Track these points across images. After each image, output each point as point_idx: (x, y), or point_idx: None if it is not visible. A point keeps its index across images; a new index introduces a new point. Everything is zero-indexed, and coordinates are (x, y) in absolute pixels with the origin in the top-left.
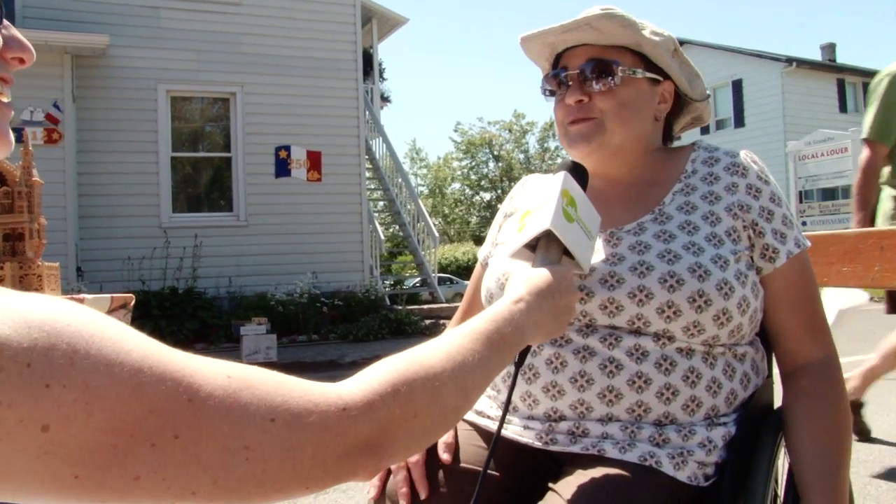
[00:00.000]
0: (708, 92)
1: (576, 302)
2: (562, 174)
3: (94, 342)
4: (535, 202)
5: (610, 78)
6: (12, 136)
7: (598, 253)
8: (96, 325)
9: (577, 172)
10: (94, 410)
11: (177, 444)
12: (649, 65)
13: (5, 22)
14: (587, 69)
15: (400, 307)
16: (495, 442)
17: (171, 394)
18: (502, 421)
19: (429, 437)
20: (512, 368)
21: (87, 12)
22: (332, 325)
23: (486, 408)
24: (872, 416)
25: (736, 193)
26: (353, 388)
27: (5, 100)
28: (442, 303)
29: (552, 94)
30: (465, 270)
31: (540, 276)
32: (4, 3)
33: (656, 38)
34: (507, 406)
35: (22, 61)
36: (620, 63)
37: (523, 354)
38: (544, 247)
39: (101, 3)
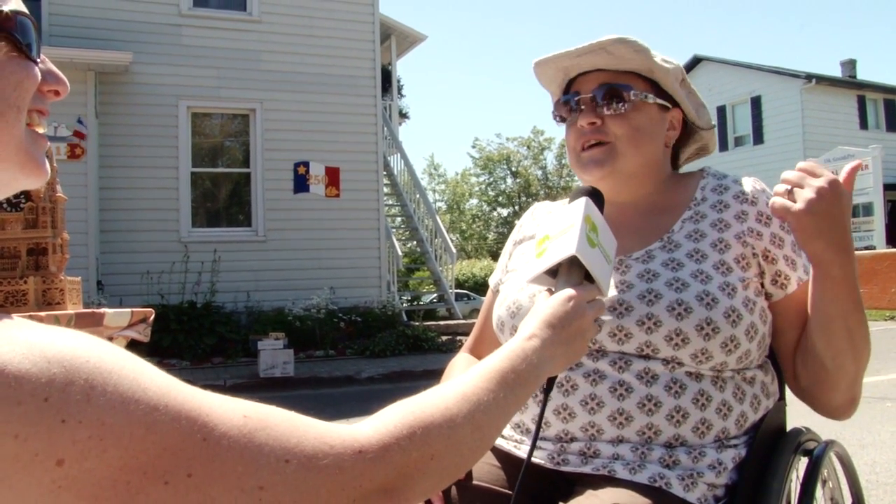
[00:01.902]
0: (713, 120)
1: (588, 324)
2: (584, 199)
3: (111, 379)
4: (553, 227)
5: (622, 103)
6: (48, 167)
7: None
8: (115, 362)
9: (596, 197)
10: (109, 447)
11: (190, 483)
12: (659, 92)
13: (42, 56)
14: (599, 94)
15: (417, 323)
16: (524, 471)
17: (186, 432)
18: (531, 451)
19: (446, 479)
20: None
21: (111, 30)
22: (350, 340)
23: None
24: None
25: (746, 221)
26: (369, 430)
27: (41, 131)
28: (459, 319)
29: (563, 119)
30: (482, 286)
31: (549, 308)
32: (39, 36)
33: (668, 66)
34: (536, 434)
35: (57, 93)
36: (633, 88)
37: (550, 384)
38: (566, 272)
39: (125, 21)
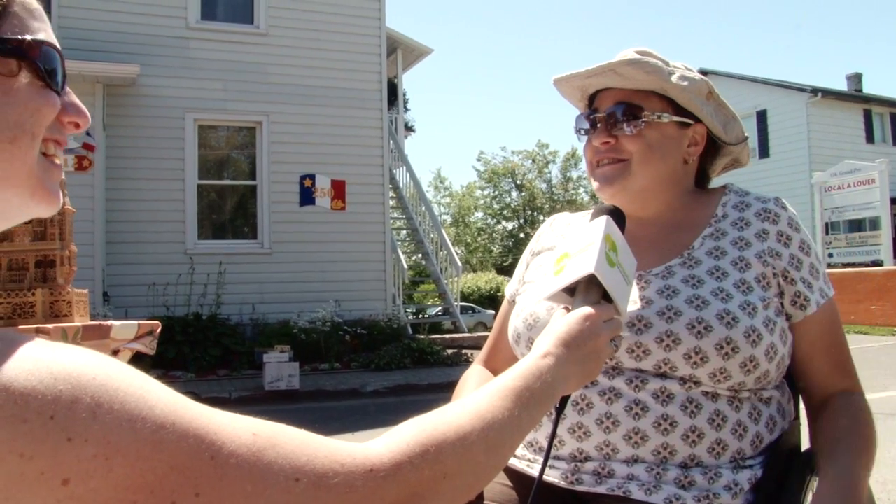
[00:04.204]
0: (746, 134)
1: (603, 344)
2: (604, 218)
3: (118, 397)
4: (573, 245)
5: (637, 121)
6: (61, 196)
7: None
8: (122, 380)
9: (617, 216)
10: (115, 466)
11: (198, 503)
12: (679, 108)
13: (66, 89)
14: (615, 112)
15: (422, 336)
16: (535, 489)
17: (194, 451)
18: (543, 469)
19: (459, 499)
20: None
21: (119, 43)
22: (355, 353)
23: None
24: None
25: (767, 240)
26: (381, 448)
27: (58, 161)
28: (464, 332)
29: (586, 133)
30: (487, 300)
31: (565, 326)
32: (64, 67)
33: (684, 83)
34: (548, 452)
35: (77, 126)
36: (646, 108)
37: (563, 402)
38: (584, 290)
39: (132, 33)
